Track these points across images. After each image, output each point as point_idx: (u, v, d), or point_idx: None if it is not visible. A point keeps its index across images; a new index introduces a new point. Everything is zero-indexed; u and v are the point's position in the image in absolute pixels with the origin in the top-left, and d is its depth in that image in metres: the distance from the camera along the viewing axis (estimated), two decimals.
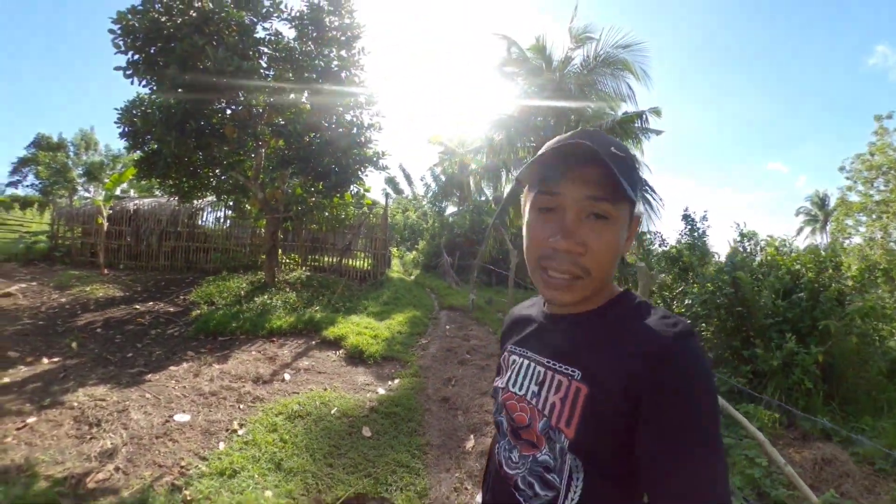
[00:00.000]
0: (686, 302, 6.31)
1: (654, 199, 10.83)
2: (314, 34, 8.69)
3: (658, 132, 12.02)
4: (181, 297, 9.11)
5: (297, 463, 3.29)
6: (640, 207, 1.07)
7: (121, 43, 7.42)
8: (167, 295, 9.36)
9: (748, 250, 6.49)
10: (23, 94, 72.51)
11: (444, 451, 3.78)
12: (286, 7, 8.60)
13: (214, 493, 2.89)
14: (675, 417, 0.65)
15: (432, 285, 14.20)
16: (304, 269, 11.82)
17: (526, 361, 0.91)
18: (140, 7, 7.52)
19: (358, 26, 8.94)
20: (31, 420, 3.88)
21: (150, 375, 4.96)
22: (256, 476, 3.08)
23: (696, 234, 7.15)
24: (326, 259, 12.53)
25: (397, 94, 69.89)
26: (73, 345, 6.07)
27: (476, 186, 20.95)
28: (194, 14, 7.46)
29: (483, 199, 21.73)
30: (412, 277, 16.35)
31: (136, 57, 7.58)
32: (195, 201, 10.98)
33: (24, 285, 9.56)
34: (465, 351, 6.86)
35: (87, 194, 36.03)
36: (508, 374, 0.94)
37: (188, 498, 2.86)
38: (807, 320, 4.88)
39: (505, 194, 12.78)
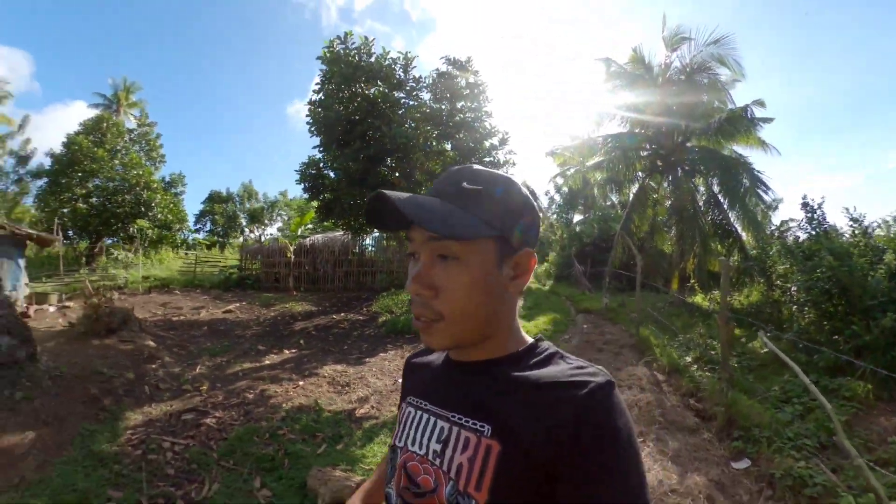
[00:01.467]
0: (793, 289, 6.92)
1: (766, 194, 11.15)
2: (447, 95, 10.69)
3: (767, 120, 12.16)
4: (363, 308, 11.39)
5: None
6: (521, 236, 0.68)
7: (314, 130, 10.24)
8: (352, 308, 11.70)
9: (857, 233, 6.82)
10: (198, 159, 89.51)
11: None
12: (423, 79, 10.90)
13: None
14: (601, 473, 0.60)
15: (566, 293, 15.32)
16: None
17: (426, 416, 0.81)
18: (321, 99, 10.23)
19: (481, 83, 10.79)
20: (300, 383, 5.91)
21: (367, 359, 6.93)
22: None
23: (814, 221, 7.55)
24: None
25: (518, 117, 72.77)
26: (301, 342, 8.32)
27: (601, 194, 21.70)
28: (360, 100, 9.94)
29: (608, 203, 22.35)
30: (546, 287, 17.58)
31: (323, 139, 10.37)
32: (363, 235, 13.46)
33: (237, 304, 12.47)
34: (602, 343, 8.06)
35: (251, 235, 43.67)
36: (405, 430, 0.83)
37: None
38: None
39: (630, 200, 13.64)
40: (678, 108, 12.22)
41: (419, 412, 0.82)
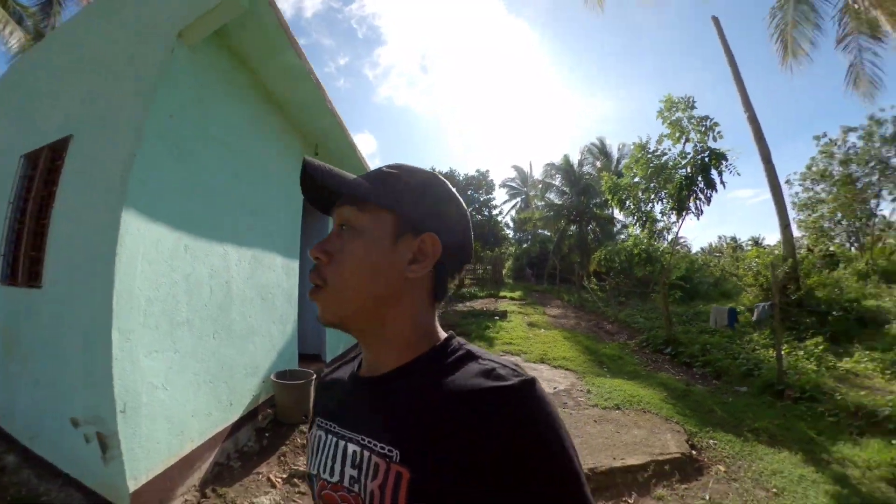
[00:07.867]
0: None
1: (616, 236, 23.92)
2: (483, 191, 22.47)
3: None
4: None
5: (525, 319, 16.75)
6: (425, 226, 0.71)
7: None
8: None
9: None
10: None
11: (543, 303, 17.16)
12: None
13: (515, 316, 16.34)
14: (537, 485, 0.57)
15: (522, 286, 27.46)
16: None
17: (335, 439, 0.73)
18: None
19: (492, 183, 22.62)
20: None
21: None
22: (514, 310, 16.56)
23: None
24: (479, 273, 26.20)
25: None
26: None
27: (542, 228, 34.15)
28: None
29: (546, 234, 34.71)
30: (511, 282, 29.77)
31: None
32: None
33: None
34: (542, 299, 20.08)
35: None
36: (317, 456, 0.75)
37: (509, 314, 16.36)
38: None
39: (557, 236, 25.99)
40: (584, 189, 24.59)
41: (329, 436, 0.75)
